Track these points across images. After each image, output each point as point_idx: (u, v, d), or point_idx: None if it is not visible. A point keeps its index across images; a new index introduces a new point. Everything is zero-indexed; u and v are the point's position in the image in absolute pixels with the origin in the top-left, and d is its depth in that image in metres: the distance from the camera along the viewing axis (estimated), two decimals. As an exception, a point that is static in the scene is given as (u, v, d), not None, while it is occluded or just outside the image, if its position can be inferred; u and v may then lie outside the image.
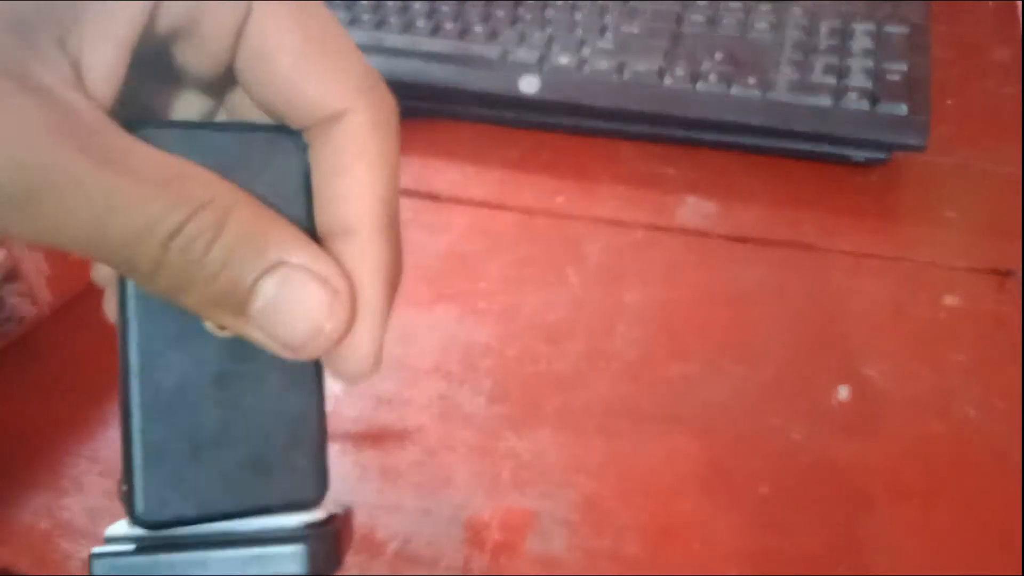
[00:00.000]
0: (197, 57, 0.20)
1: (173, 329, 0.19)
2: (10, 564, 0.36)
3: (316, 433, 0.20)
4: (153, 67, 0.20)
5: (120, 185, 0.17)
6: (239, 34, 0.19)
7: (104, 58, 0.18)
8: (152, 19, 0.18)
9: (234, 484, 0.19)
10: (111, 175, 0.17)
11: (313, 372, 0.20)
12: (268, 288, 0.18)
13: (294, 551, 0.19)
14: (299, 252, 0.18)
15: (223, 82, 0.21)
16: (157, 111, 0.22)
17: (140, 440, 0.19)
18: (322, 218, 0.20)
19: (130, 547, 0.19)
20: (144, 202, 0.17)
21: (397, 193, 0.20)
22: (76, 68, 0.17)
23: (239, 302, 0.18)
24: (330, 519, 0.20)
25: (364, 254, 0.20)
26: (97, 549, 0.19)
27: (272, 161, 0.19)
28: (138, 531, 0.19)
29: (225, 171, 0.18)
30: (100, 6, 0.18)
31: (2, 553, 0.37)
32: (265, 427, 0.19)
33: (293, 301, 0.18)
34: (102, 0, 0.18)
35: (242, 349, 0.19)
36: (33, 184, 0.16)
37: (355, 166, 0.20)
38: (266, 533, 0.19)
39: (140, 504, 0.19)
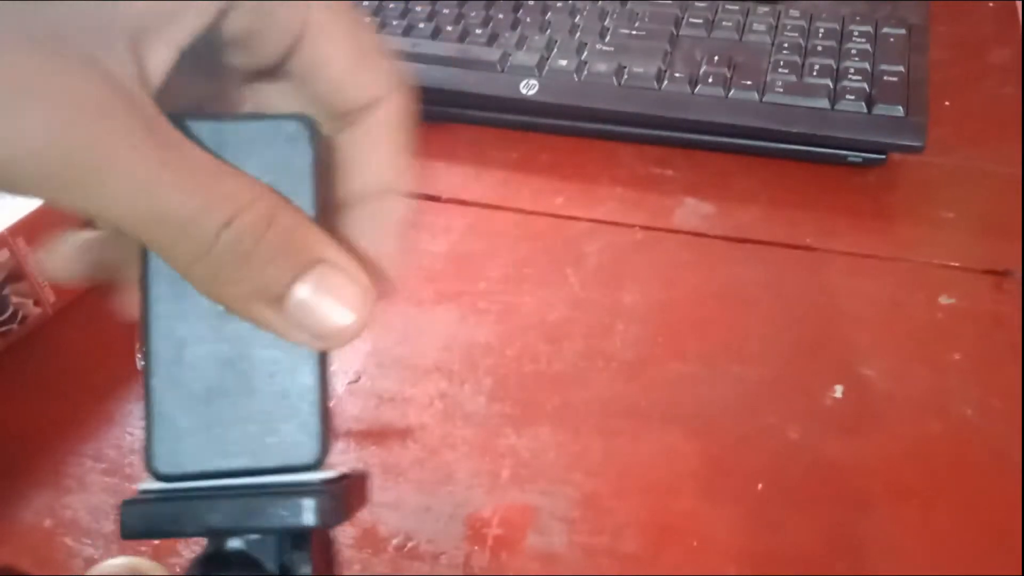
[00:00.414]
0: (249, 58, 0.22)
1: (190, 298, 0.20)
2: (13, 563, 0.36)
3: (318, 398, 0.21)
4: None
5: (172, 174, 0.18)
6: (296, 42, 0.21)
7: (164, 58, 0.19)
8: (216, 23, 0.20)
9: (242, 443, 0.21)
10: (164, 164, 0.18)
11: None
12: (308, 284, 0.20)
13: (305, 503, 0.20)
14: (335, 252, 0.20)
15: (252, 78, 0.23)
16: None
17: (155, 397, 0.21)
18: (356, 183, 0.23)
19: (152, 497, 0.21)
20: (193, 191, 0.18)
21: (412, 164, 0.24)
22: (142, 67, 0.19)
23: (277, 295, 0.19)
24: (342, 477, 0.22)
25: (394, 208, 0.23)
26: (128, 499, 0.21)
27: (281, 148, 0.21)
28: (164, 485, 0.21)
29: (241, 160, 0.20)
30: (169, 16, 0.19)
31: (5, 552, 0.37)
32: (272, 391, 0.21)
33: (330, 296, 0.20)
34: (171, 11, 0.19)
35: None
36: (90, 162, 0.17)
37: (392, 138, 0.23)
38: (279, 486, 0.21)
39: (154, 457, 0.21)
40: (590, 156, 0.54)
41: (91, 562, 0.36)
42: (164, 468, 0.21)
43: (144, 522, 0.20)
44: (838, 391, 0.41)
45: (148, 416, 0.21)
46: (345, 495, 0.21)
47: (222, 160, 0.20)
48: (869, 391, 0.41)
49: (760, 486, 0.38)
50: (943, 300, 0.45)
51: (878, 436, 0.39)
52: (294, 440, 0.21)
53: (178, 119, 0.19)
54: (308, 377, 0.21)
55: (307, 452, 0.21)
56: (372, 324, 0.21)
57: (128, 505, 0.21)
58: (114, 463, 0.40)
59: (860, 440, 0.39)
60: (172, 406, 0.21)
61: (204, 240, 0.18)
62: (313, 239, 0.20)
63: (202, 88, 0.23)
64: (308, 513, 0.20)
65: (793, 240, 0.48)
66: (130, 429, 0.41)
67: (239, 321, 0.20)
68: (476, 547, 0.36)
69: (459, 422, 0.41)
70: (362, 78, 0.22)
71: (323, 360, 0.22)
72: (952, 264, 0.47)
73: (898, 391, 0.41)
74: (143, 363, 0.21)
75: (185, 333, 0.21)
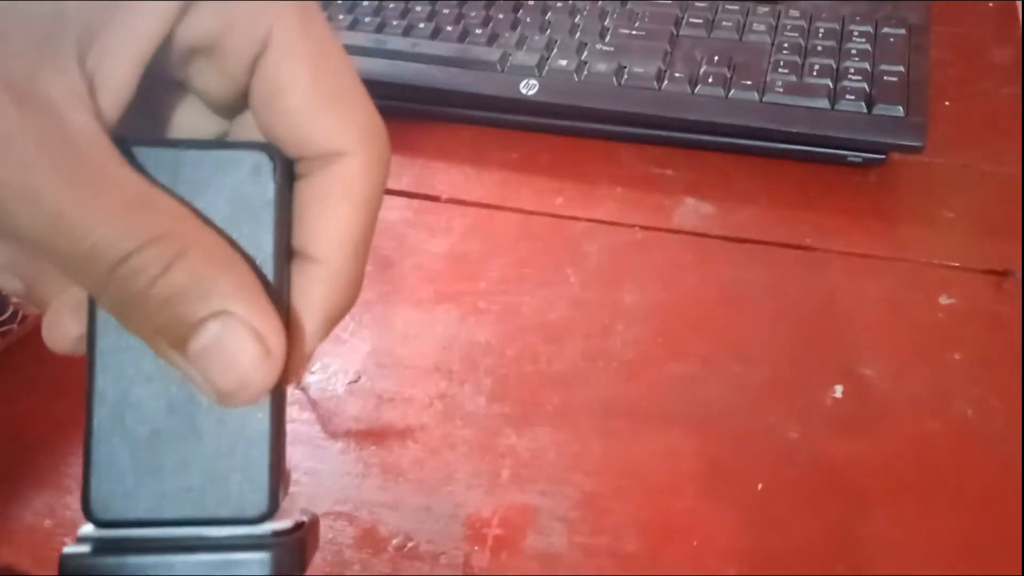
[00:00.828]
0: (211, 77, 0.20)
1: (135, 339, 0.19)
2: (13, 563, 0.36)
3: (269, 452, 0.20)
4: (171, 82, 0.21)
5: (77, 205, 0.17)
6: (255, 63, 0.19)
7: (118, 72, 0.18)
8: (171, 37, 0.19)
9: (186, 492, 0.20)
10: (72, 194, 0.17)
11: (272, 391, 0.20)
12: (208, 332, 0.18)
13: (260, 558, 0.19)
14: (245, 304, 0.18)
15: (235, 103, 0.21)
16: (168, 124, 0.22)
17: (96, 437, 0.20)
18: (295, 239, 0.21)
19: (93, 547, 0.20)
20: (93, 226, 0.17)
21: (372, 234, 0.21)
22: (90, 82, 0.18)
23: (179, 338, 0.18)
24: (296, 527, 0.20)
25: (321, 286, 0.20)
26: (67, 548, 0.20)
27: (243, 180, 0.20)
28: (106, 532, 0.20)
29: (196, 190, 0.19)
30: (121, 20, 0.18)
31: (5, 552, 0.37)
32: (218, 440, 0.20)
33: (228, 351, 0.18)
34: (123, 14, 0.18)
35: None
36: None
37: (339, 205, 0.20)
38: (232, 539, 0.20)
39: (92, 501, 0.20)
40: (590, 156, 0.54)
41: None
42: (102, 514, 0.19)
43: (86, 574, 0.19)
44: (838, 391, 0.41)
45: (87, 457, 0.20)
46: (300, 546, 0.20)
47: (163, 190, 0.18)
48: (869, 391, 0.41)
49: (760, 486, 0.38)
50: (943, 300, 0.45)
51: (878, 436, 0.39)
52: (241, 491, 0.20)
53: (126, 143, 0.18)
54: (260, 423, 0.20)
55: (253, 505, 0.20)
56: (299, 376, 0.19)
57: (68, 556, 0.19)
58: (114, 463, 0.40)
59: (860, 440, 0.39)
60: (114, 447, 0.20)
61: (100, 275, 0.17)
62: (225, 284, 0.18)
63: (182, 113, 0.22)
64: (263, 569, 0.19)
65: (793, 240, 0.48)
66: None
67: None
68: (476, 547, 0.36)
69: (459, 422, 0.41)
70: (325, 118, 0.20)
71: (278, 404, 0.20)
72: (952, 264, 0.47)
73: (898, 391, 0.41)
74: (86, 399, 0.20)
75: (131, 370, 0.20)
